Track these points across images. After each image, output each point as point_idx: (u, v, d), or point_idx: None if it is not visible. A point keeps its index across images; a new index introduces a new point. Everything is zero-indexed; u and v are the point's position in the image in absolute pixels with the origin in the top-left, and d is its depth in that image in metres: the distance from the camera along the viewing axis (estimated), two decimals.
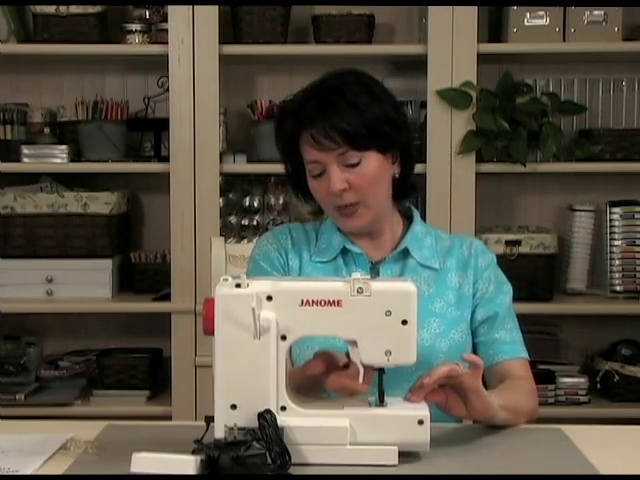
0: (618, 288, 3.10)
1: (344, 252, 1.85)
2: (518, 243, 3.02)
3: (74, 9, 2.99)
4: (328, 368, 1.51)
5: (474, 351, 1.85)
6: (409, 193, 1.90)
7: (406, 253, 1.84)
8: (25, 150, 3.03)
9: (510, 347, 1.82)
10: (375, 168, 1.75)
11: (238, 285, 1.45)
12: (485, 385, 1.59)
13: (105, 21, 3.06)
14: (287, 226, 1.93)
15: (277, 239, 1.89)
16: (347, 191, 1.75)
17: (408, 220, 1.90)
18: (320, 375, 1.52)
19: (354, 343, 1.47)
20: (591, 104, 3.15)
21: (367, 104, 1.74)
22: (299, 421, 1.45)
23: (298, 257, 1.86)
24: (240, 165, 3.05)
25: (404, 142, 1.80)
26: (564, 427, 1.65)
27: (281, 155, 1.85)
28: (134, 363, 3.09)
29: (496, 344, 1.82)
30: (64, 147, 3.04)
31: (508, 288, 1.88)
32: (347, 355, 1.52)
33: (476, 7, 2.92)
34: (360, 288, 1.46)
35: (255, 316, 1.43)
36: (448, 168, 2.95)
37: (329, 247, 1.85)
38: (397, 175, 1.82)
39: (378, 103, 1.76)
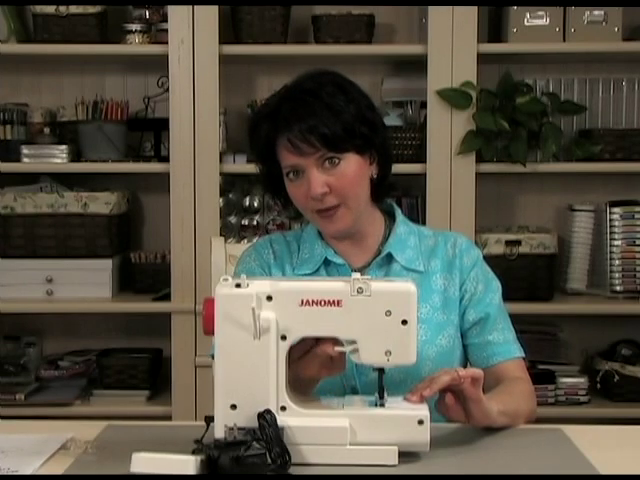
0: (618, 288, 3.10)
1: (326, 262, 1.83)
2: (518, 243, 3.02)
3: (74, 9, 2.99)
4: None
5: (466, 353, 1.84)
6: (387, 193, 1.87)
7: (390, 257, 1.82)
8: (25, 150, 3.03)
9: (504, 348, 1.81)
10: (355, 169, 1.73)
11: (238, 285, 1.45)
12: (482, 387, 1.58)
13: (105, 21, 3.07)
14: (268, 238, 1.91)
15: (259, 254, 1.86)
16: (328, 194, 1.72)
17: (390, 217, 1.88)
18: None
19: (354, 343, 1.47)
20: (591, 104, 3.16)
21: (343, 105, 1.71)
22: (299, 421, 1.45)
23: (281, 271, 1.84)
24: (240, 165, 3.05)
25: (381, 142, 1.78)
26: (564, 427, 1.65)
27: (257, 160, 1.83)
28: (134, 363, 3.09)
29: (489, 346, 1.81)
30: (64, 147, 3.04)
31: (497, 285, 1.86)
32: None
33: (476, 7, 2.92)
34: (360, 288, 1.46)
35: (255, 316, 1.43)
36: (448, 168, 2.95)
37: (312, 257, 1.83)
38: (375, 175, 1.79)
39: (354, 104, 1.73)
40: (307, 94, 1.72)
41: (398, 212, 1.88)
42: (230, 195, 3.18)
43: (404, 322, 1.46)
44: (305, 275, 1.82)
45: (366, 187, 1.78)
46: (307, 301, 1.45)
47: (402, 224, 1.86)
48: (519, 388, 1.76)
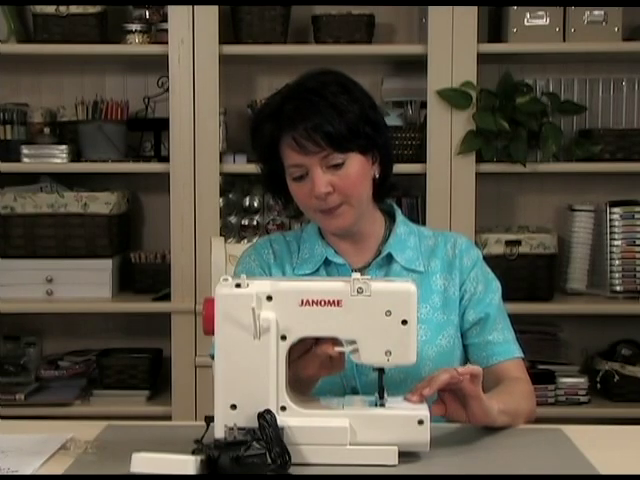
0: (618, 288, 3.09)
1: (327, 262, 1.83)
2: (518, 243, 3.01)
3: (74, 9, 2.99)
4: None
5: (466, 353, 1.84)
6: (389, 193, 1.88)
7: (390, 257, 1.82)
8: (25, 150, 3.03)
9: (504, 348, 1.81)
10: (358, 169, 1.73)
11: (238, 285, 1.45)
12: (482, 386, 1.59)
13: (105, 21, 3.07)
14: (268, 239, 1.91)
15: (259, 255, 1.86)
16: (331, 194, 1.72)
17: (390, 217, 1.88)
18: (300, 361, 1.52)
19: (354, 343, 1.47)
20: (591, 104, 3.16)
21: (347, 105, 1.71)
22: (299, 421, 1.45)
23: (281, 272, 1.84)
24: (240, 165, 3.05)
25: (383, 142, 1.78)
26: (564, 427, 1.65)
27: (259, 160, 1.82)
28: (134, 363, 3.09)
29: (489, 346, 1.81)
30: (64, 147, 3.04)
31: (497, 285, 1.86)
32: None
33: (476, 7, 2.92)
34: (360, 288, 1.46)
35: (255, 316, 1.43)
36: (448, 168, 2.95)
37: (312, 257, 1.83)
38: (377, 175, 1.79)
39: (357, 103, 1.73)
40: (311, 93, 1.72)
41: (398, 212, 1.88)
42: (230, 195, 3.18)
43: (404, 322, 1.46)
44: (305, 275, 1.82)
45: (369, 187, 1.78)
46: (307, 301, 1.45)
47: (402, 224, 1.86)
48: (519, 388, 1.76)
